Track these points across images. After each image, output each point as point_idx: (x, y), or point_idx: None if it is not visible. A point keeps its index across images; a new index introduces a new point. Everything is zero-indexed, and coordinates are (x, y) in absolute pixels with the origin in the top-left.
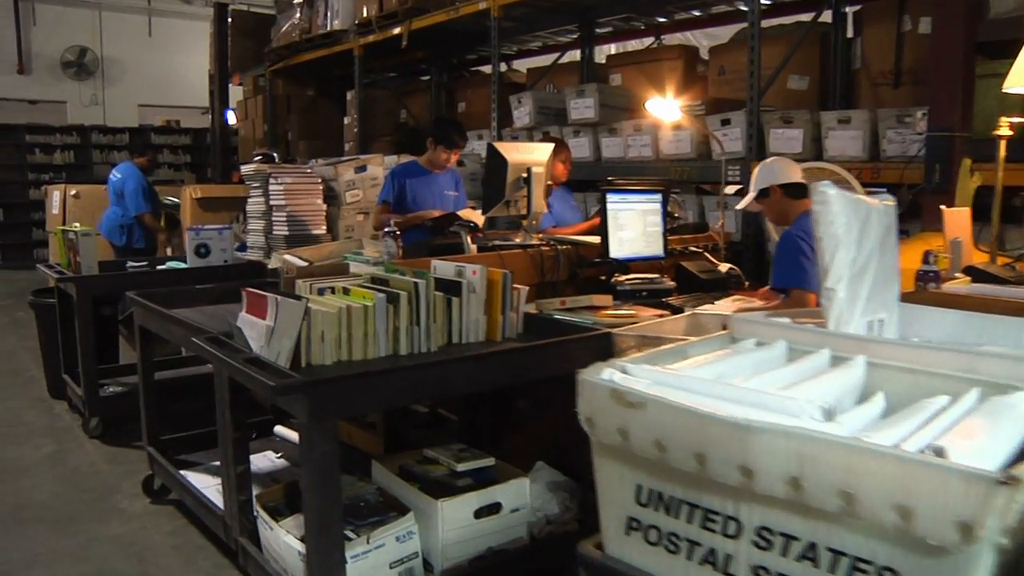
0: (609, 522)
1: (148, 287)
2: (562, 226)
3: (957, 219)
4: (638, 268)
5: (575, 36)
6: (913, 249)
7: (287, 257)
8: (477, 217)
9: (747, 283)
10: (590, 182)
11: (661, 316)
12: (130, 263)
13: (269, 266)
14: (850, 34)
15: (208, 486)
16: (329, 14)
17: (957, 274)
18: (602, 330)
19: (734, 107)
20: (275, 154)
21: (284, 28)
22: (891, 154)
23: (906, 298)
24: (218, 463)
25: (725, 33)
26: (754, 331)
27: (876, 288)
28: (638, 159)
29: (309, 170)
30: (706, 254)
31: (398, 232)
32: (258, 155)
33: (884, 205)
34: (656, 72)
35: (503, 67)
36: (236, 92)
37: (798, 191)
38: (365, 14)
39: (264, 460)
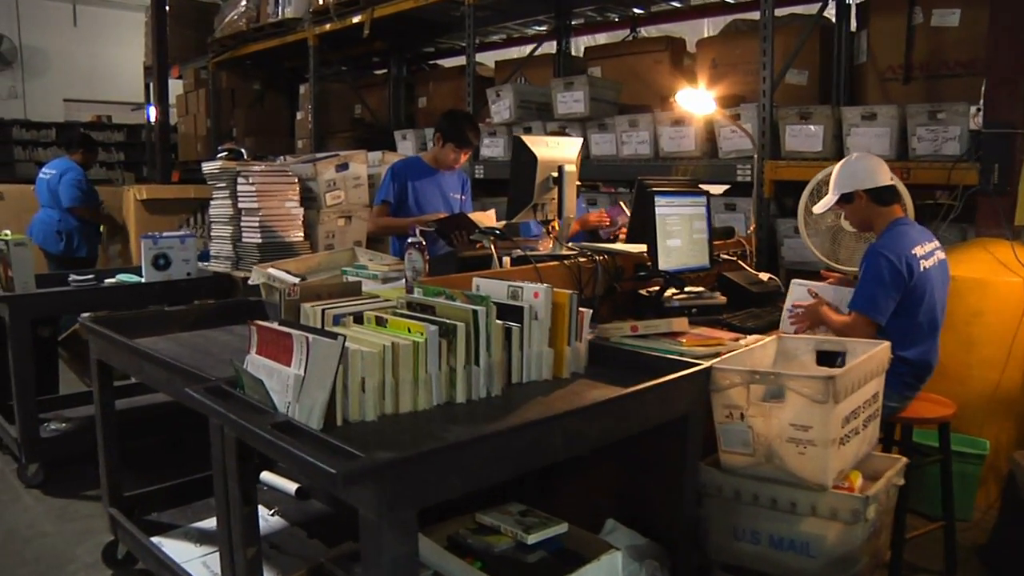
0: None
1: (97, 306)
2: None
3: None
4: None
5: (543, 28)
6: (972, 256)
7: (274, 271)
8: (490, 220)
9: None
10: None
11: (736, 339)
12: (73, 277)
13: (250, 281)
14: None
15: (191, 559)
16: (281, 1)
17: None
18: (702, 364)
19: (732, 103)
20: (243, 150)
21: (229, 17)
22: (921, 153)
23: None
24: (198, 524)
25: (683, 29)
26: None
27: None
28: (634, 157)
29: (285, 168)
30: (739, 262)
31: (423, 243)
32: (223, 151)
33: None
34: (639, 65)
35: (464, 60)
36: (175, 86)
37: (887, 196)
38: (322, 1)
39: None
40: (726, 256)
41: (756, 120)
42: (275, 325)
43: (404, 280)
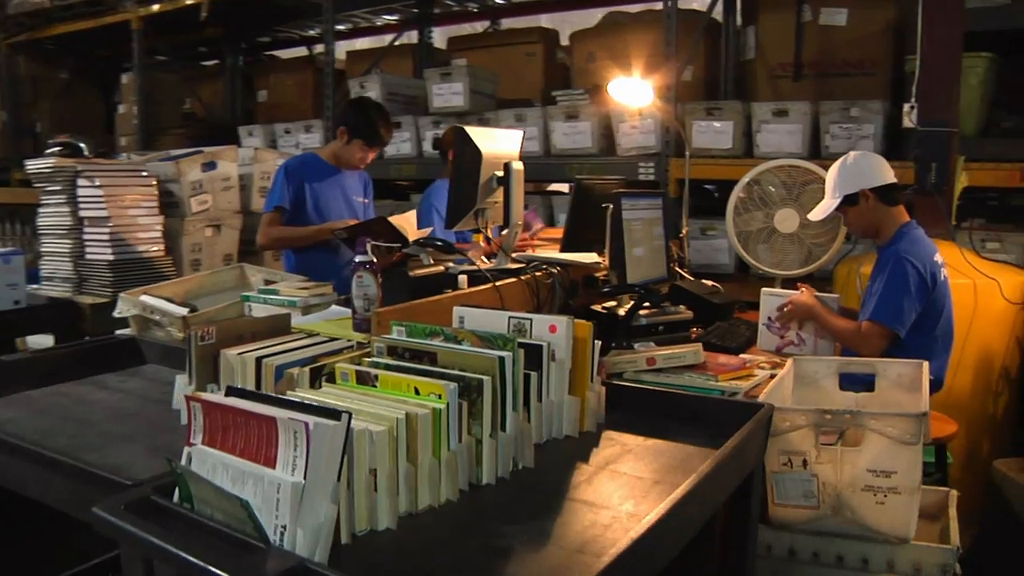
0: None
1: None
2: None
3: None
4: None
5: (395, 18)
6: None
7: (149, 300)
8: (411, 226)
9: None
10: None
11: (746, 365)
12: None
13: (116, 313)
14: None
15: None
16: None
17: None
18: (765, 405)
19: None
20: (83, 144)
21: None
22: (835, 151)
23: None
24: None
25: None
26: None
27: None
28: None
29: (139, 167)
30: (679, 269)
31: (375, 261)
32: (57, 145)
33: None
34: (510, 58)
35: (306, 51)
36: None
37: (895, 195)
38: None
39: None
40: None
41: (658, 115)
42: (236, 401)
43: (350, 310)
